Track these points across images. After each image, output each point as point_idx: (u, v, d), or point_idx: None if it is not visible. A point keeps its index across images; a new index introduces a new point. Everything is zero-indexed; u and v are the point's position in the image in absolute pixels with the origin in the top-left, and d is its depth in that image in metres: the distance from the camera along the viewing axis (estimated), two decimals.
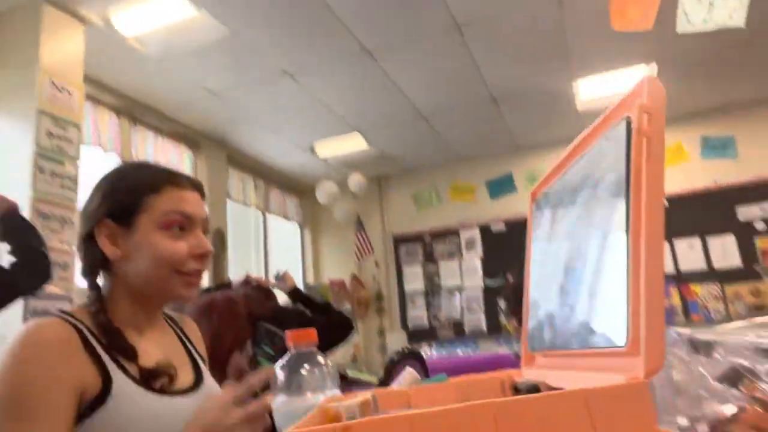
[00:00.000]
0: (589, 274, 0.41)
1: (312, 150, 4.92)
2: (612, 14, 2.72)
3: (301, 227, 5.99)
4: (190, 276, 0.92)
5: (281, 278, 2.28)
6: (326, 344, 2.20)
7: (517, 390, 0.51)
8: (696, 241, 4.79)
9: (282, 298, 2.28)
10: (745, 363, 0.70)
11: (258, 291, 2.17)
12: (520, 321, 2.28)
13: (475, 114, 4.50)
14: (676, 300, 4.75)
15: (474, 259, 5.42)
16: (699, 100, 4.62)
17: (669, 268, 4.77)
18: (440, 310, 5.45)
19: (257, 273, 5.04)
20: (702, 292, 4.77)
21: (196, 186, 0.98)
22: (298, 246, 5.94)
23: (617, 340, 0.35)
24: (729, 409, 0.64)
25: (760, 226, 4.66)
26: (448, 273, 5.50)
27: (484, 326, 5.23)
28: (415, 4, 3.00)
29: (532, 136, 5.11)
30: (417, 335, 5.44)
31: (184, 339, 1.06)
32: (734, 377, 0.71)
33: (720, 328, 0.73)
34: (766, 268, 4.60)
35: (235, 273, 4.62)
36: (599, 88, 4.18)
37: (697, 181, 4.81)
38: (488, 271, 5.33)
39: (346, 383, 2.38)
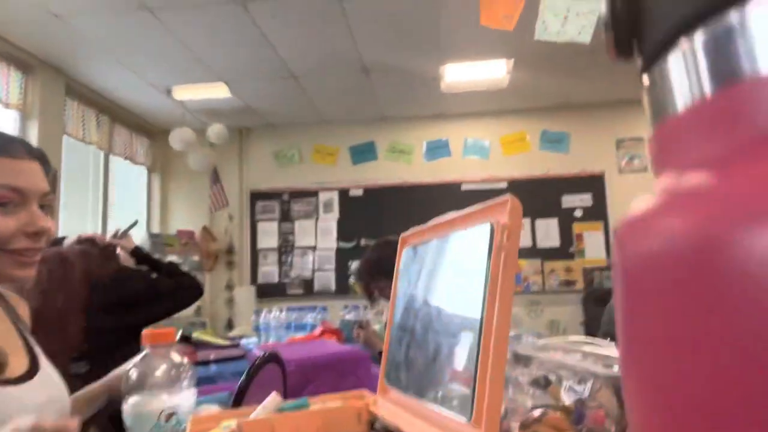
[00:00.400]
0: (444, 347, 0.48)
1: (169, 92, 4.56)
2: (481, 10, 2.89)
3: (150, 172, 5.57)
4: (20, 255, 0.85)
5: (121, 235, 2.11)
6: (172, 308, 2.13)
7: (373, 427, 0.57)
8: (527, 222, 5.39)
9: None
10: (552, 375, 0.84)
11: (96, 249, 2.00)
12: (370, 297, 2.41)
13: (346, 81, 4.51)
14: None
15: (330, 222, 5.53)
16: (545, 97, 5.12)
17: None
18: (292, 268, 5.51)
19: (94, 218, 4.63)
20: (526, 266, 5.41)
21: (36, 155, 0.89)
22: (143, 192, 5.54)
23: (463, 413, 0.42)
24: (537, 411, 0.76)
25: (578, 213, 5.37)
26: (304, 232, 5.56)
27: (333, 286, 5.41)
28: None
29: (397, 109, 5.27)
30: (266, 291, 5.46)
31: (17, 321, 0.98)
32: (544, 384, 0.85)
33: (537, 344, 0.87)
34: (577, 250, 5.34)
35: (67, 217, 4.19)
36: (463, 74, 4.43)
37: (534, 169, 5.38)
38: (343, 233, 5.49)
39: (192, 345, 2.34)
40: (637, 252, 0.18)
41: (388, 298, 2.56)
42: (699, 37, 0.18)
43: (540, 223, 5.36)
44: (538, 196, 5.33)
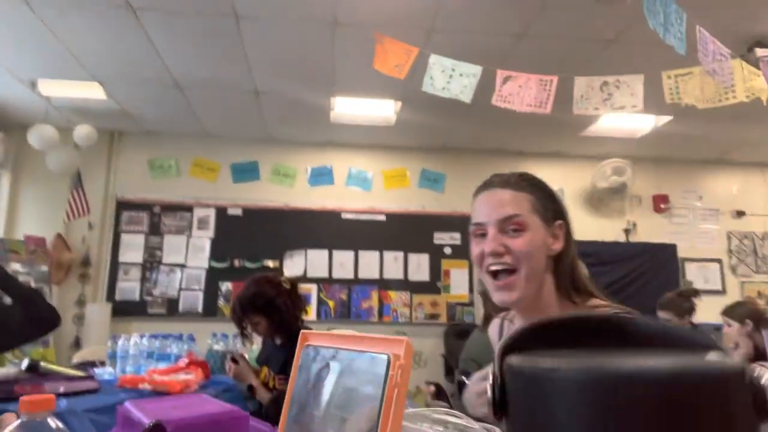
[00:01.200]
0: None
1: (33, 85, 4.15)
2: (376, 56, 3.04)
3: (2, 169, 4.97)
4: None
5: None
6: (23, 339, 1.93)
7: None
8: (399, 255, 5.62)
9: None
10: None
11: None
12: (242, 331, 2.38)
13: (235, 99, 4.44)
14: (375, 302, 5.50)
15: (203, 239, 5.32)
16: (426, 138, 5.43)
17: (375, 275, 5.49)
18: (156, 285, 5.20)
19: None
20: (395, 297, 5.62)
21: None
22: None
23: None
24: None
25: (447, 250, 5.72)
26: (173, 249, 5.28)
27: (200, 307, 5.18)
28: None
29: (286, 132, 5.27)
30: (124, 309, 5.08)
31: None
32: None
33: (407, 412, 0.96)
34: (444, 285, 5.67)
35: None
36: (352, 108, 4.58)
37: (411, 204, 5.65)
38: (216, 253, 5.30)
39: (40, 377, 2.15)
40: None
41: (260, 333, 2.54)
42: None
43: (412, 257, 5.61)
44: (412, 230, 5.59)
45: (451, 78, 3.10)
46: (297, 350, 0.65)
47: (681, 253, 5.74)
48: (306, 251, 5.40)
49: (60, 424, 0.79)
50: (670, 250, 5.67)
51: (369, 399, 0.50)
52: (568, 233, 0.94)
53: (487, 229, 0.95)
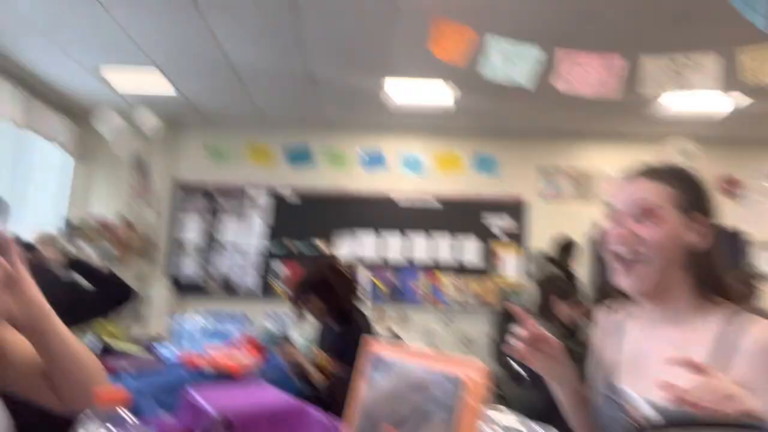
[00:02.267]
0: None
1: (97, 72, 4.32)
2: (433, 45, 2.97)
3: (70, 155, 5.23)
4: None
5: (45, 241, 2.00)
6: (101, 314, 2.04)
7: None
8: (451, 238, 5.57)
9: None
10: None
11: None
12: (298, 311, 2.42)
13: (291, 84, 4.48)
14: (425, 285, 5.48)
15: (258, 221, 5.45)
16: (480, 120, 5.32)
17: (425, 258, 5.47)
18: (214, 266, 5.38)
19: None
20: (445, 280, 5.59)
21: None
22: (60, 175, 5.20)
23: None
24: None
25: (498, 234, 5.62)
26: (230, 230, 5.44)
27: (256, 288, 5.34)
28: None
29: (339, 116, 5.29)
30: (184, 289, 5.29)
31: None
32: None
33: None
34: (494, 269, 5.58)
35: None
36: (406, 91, 4.53)
37: (463, 188, 5.57)
38: (271, 234, 5.42)
39: (113, 355, 2.27)
40: None
41: (315, 315, 2.57)
42: None
43: (463, 240, 5.55)
44: (464, 214, 5.53)
45: (511, 62, 3.00)
46: (363, 355, 0.65)
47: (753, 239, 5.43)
48: (357, 233, 5.45)
49: (133, 419, 0.82)
50: (738, 236, 5.37)
51: (439, 421, 0.49)
52: (711, 230, 0.92)
53: (622, 215, 0.94)
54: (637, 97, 3.10)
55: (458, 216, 5.52)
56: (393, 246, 5.48)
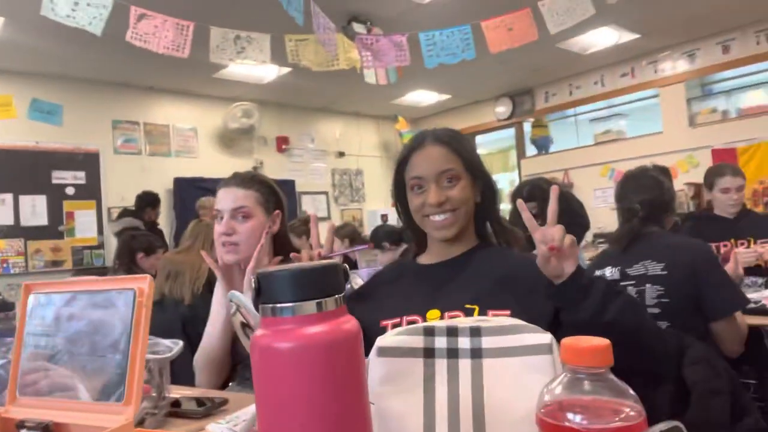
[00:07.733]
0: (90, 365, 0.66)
1: None
2: None
3: None
4: None
5: None
6: None
7: (24, 427, 0.65)
8: (9, 197, 4.82)
9: None
10: None
11: None
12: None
13: None
14: None
15: None
16: (38, 63, 4.70)
17: None
18: None
19: None
20: (5, 246, 4.86)
21: None
22: None
23: (115, 396, 0.63)
24: None
25: (70, 191, 5.19)
26: None
27: None
28: None
29: None
30: None
31: None
32: None
33: None
34: (67, 229, 5.17)
35: None
36: None
37: (19, 139, 4.86)
38: None
39: None
40: None
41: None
42: None
43: (24, 199, 4.91)
44: (25, 169, 4.86)
45: (77, 5, 2.84)
46: (23, 302, 0.71)
47: (298, 188, 6.72)
48: None
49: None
50: (290, 185, 6.57)
51: (117, 328, 0.65)
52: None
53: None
54: (207, 60, 3.42)
55: (19, 171, 4.82)
56: None
